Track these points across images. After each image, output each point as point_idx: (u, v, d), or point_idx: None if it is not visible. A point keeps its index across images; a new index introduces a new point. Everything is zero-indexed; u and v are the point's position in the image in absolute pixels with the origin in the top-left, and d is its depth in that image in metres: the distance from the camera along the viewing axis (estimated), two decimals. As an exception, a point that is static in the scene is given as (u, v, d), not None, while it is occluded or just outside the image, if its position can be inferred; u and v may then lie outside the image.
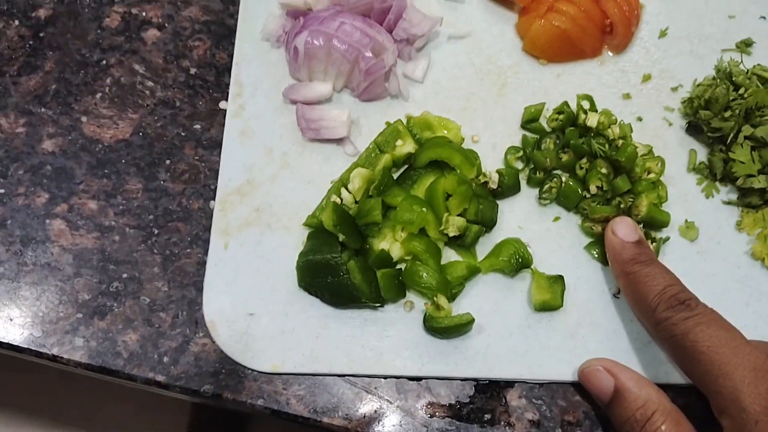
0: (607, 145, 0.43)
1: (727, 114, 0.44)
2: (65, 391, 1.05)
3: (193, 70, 0.48)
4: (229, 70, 0.48)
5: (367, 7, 0.46)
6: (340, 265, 0.40)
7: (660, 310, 0.36)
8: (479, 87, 0.47)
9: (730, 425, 0.33)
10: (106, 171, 0.44)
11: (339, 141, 0.45)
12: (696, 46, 0.49)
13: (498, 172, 0.43)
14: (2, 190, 0.44)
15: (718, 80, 0.46)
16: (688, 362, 0.35)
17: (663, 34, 0.50)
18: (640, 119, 0.47)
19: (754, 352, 0.33)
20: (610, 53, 0.49)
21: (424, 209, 0.40)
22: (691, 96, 0.47)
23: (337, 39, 0.44)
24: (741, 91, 0.45)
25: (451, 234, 0.41)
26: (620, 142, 0.44)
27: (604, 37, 0.49)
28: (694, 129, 0.47)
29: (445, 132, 0.45)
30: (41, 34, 0.48)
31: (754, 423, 0.31)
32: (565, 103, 0.46)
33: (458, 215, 0.41)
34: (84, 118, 0.46)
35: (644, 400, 0.35)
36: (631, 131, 0.45)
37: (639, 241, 0.39)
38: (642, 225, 0.42)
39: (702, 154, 0.46)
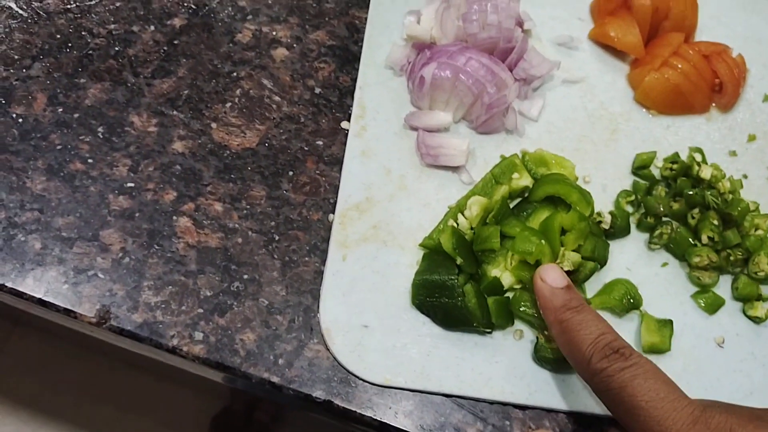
0: (720, 199, 0.44)
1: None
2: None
3: (317, 90, 0.50)
4: (351, 92, 0.49)
5: (491, 46, 0.48)
6: (457, 287, 0.41)
7: (595, 361, 0.34)
8: (591, 130, 0.49)
9: None
10: (232, 176, 0.46)
11: (455, 168, 0.46)
12: (800, 111, 0.51)
13: (611, 213, 0.44)
14: (132, 184, 0.45)
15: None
16: (626, 416, 0.33)
17: (766, 98, 0.51)
18: (745, 176, 0.48)
19: (693, 404, 0.32)
20: (717, 111, 0.50)
21: (542, 241, 0.41)
22: (797, 159, 0.48)
23: (464, 73, 0.46)
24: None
25: (566, 268, 0.41)
26: (730, 196, 0.45)
27: (712, 95, 0.50)
28: (798, 191, 0.47)
29: (561, 169, 0.46)
30: (175, 42, 0.51)
31: None
32: (677, 154, 0.47)
33: (573, 251, 0.42)
34: (213, 125, 0.48)
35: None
36: (741, 187, 0.46)
37: (568, 286, 0.38)
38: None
39: (805, 216, 0.47)
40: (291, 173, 0.46)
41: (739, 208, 0.43)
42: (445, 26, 0.49)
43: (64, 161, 0.45)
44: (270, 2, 0.53)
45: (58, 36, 0.50)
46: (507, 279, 0.42)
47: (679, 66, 0.48)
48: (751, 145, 0.49)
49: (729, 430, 0.30)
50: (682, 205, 0.45)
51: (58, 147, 0.46)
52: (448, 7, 0.49)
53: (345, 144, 0.47)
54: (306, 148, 0.47)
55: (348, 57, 0.51)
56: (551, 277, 0.38)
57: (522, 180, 0.45)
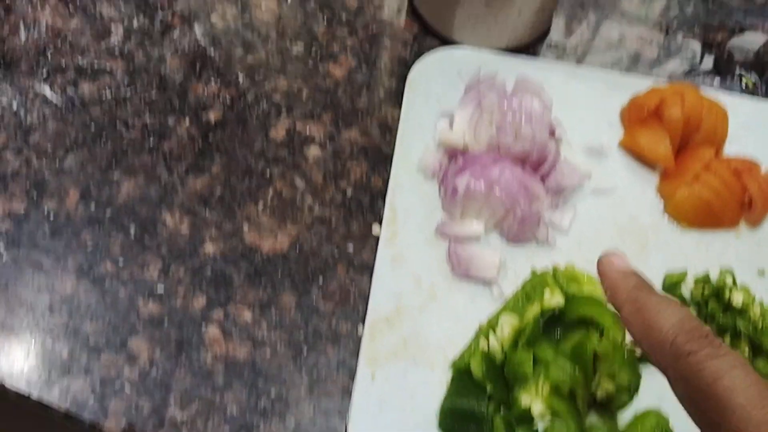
0: (750, 326, 0.44)
1: None
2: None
3: (349, 192, 0.49)
4: (382, 195, 0.49)
5: (524, 156, 0.48)
6: (486, 417, 0.40)
7: (681, 342, 0.31)
8: (621, 244, 0.49)
9: None
10: (262, 281, 0.45)
11: (486, 281, 0.46)
12: (829, 228, 0.50)
13: (643, 337, 0.44)
14: (162, 289, 0.45)
15: None
16: (713, 411, 0.29)
17: (795, 213, 0.51)
18: (775, 297, 0.48)
19: None
20: (746, 226, 0.50)
21: (577, 370, 0.41)
22: (826, 281, 0.48)
23: (498, 186, 0.46)
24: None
25: (599, 397, 0.41)
26: (760, 323, 0.44)
27: (742, 211, 0.50)
28: (827, 314, 0.47)
29: (592, 288, 0.45)
30: (210, 137, 0.51)
31: None
32: (707, 277, 0.47)
33: (606, 377, 0.41)
34: (245, 226, 0.47)
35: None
36: (771, 315, 0.45)
37: (637, 272, 0.35)
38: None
39: (834, 340, 0.46)
40: (321, 280, 0.46)
41: (771, 339, 0.43)
42: (478, 134, 0.49)
43: (94, 261, 0.45)
44: (304, 98, 0.53)
45: (93, 127, 0.50)
46: (538, 407, 0.41)
47: (711, 182, 0.48)
48: (781, 263, 0.49)
49: None
50: (713, 330, 0.44)
51: (90, 246, 0.45)
52: (481, 114, 0.49)
53: (375, 249, 0.47)
54: (336, 253, 0.47)
55: (380, 157, 0.51)
56: (619, 261, 0.36)
57: (554, 298, 0.44)
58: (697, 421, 0.30)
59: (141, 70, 0.53)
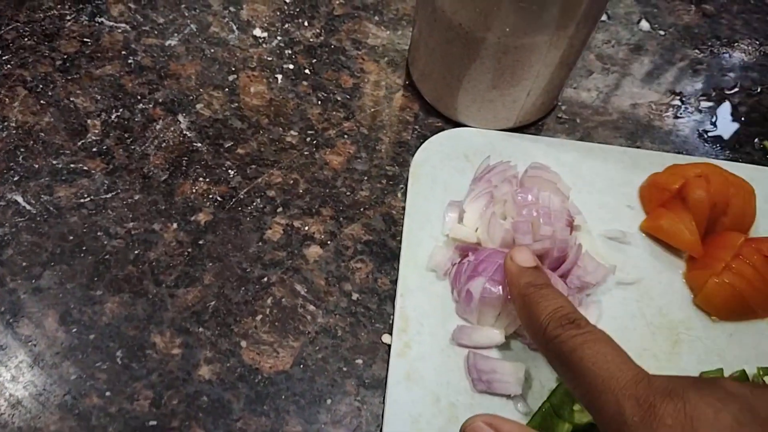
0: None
1: None
2: None
3: (355, 295, 0.46)
4: (390, 297, 0.46)
5: (542, 252, 0.45)
6: None
7: (550, 329, 0.35)
8: (652, 342, 0.45)
9: None
10: (265, 407, 0.42)
11: (510, 395, 0.43)
12: None
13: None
14: (154, 422, 0.41)
15: None
16: (575, 380, 0.33)
17: (832, 295, 0.48)
18: (818, 393, 0.45)
19: (638, 368, 0.32)
20: (783, 315, 0.47)
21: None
22: None
23: (516, 291, 0.42)
24: None
25: None
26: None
27: (778, 299, 0.47)
28: None
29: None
30: (200, 242, 0.47)
31: None
32: (744, 375, 0.44)
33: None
34: (243, 343, 0.44)
35: None
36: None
37: (536, 267, 0.40)
38: None
39: None
40: (329, 401, 0.42)
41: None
42: (492, 230, 0.45)
43: (78, 395, 0.41)
44: (301, 191, 0.50)
45: (71, 237, 0.46)
46: None
47: (743, 270, 0.45)
48: (821, 354, 0.46)
49: (670, 391, 0.30)
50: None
51: (73, 377, 0.41)
52: (493, 206, 0.46)
53: (387, 362, 0.44)
54: (345, 369, 0.43)
55: (386, 254, 0.48)
56: (521, 257, 0.40)
57: (586, 415, 0.41)
58: (578, 399, 0.34)
59: (122, 170, 0.49)
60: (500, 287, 0.43)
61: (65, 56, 0.55)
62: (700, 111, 0.56)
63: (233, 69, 0.55)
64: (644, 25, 0.60)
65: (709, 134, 0.55)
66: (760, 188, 0.51)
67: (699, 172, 0.48)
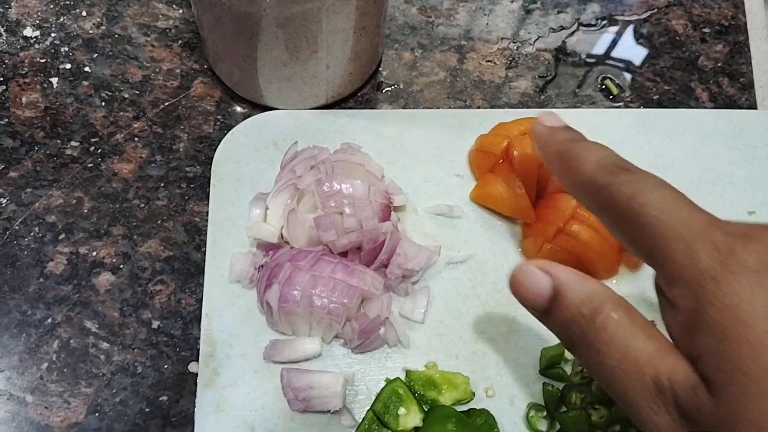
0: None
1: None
2: None
3: (155, 323, 0.42)
4: (197, 319, 0.43)
5: (353, 246, 0.42)
6: None
7: (599, 176, 0.32)
8: (487, 324, 0.44)
9: (683, 294, 0.28)
10: (55, 470, 0.38)
11: (332, 411, 0.40)
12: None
13: (522, 443, 0.39)
14: (-74, 507, 0.37)
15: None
16: (634, 231, 0.31)
17: (679, 240, 0.47)
18: (666, 350, 0.44)
19: (709, 213, 0.30)
20: (627, 271, 0.46)
21: None
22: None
23: (315, 296, 0.40)
24: None
25: None
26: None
27: (619, 256, 0.46)
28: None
29: (451, 393, 0.40)
30: (-29, 287, 0.43)
31: (713, 281, 0.27)
32: (586, 345, 0.42)
33: None
34: (29, 398, 0.40)
35: (588, 293, 0.30)
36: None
37: (568, 126, 0.38)
38: None
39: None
40: (132, 449, 0.39)
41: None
42: (293, 229, 0.42)
43: None
44: (86, 211, 0.45)
45: None
46: None
47: (578, 232, 0.44)
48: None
49: (749, 234, 0.27)
50: (602, 414, 0.40)
51: None
52: (296, 206, 0.43)
53: (195, 394, 0.40)
54: (147, 409, 0.40)
55: (190, 270, 0.44)
56: (550, 120, 0.38)
57: (411, 418, 0.39)
58: (636, 252, 0.31)
59: None
60: (297, 294, 0.40)
61: None
62: (535, 57, 0.53)
63: (1, 79, 0.49)
64: (470, -34, 0.56)
65: (546, 81, 0.52)
66: (601, 134, 0.49)
67: (523, 130, 0.46)
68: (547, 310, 0.32)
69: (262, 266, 0.43)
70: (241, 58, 0.46)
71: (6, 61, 0.50)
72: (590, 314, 0.30)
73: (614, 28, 0.55)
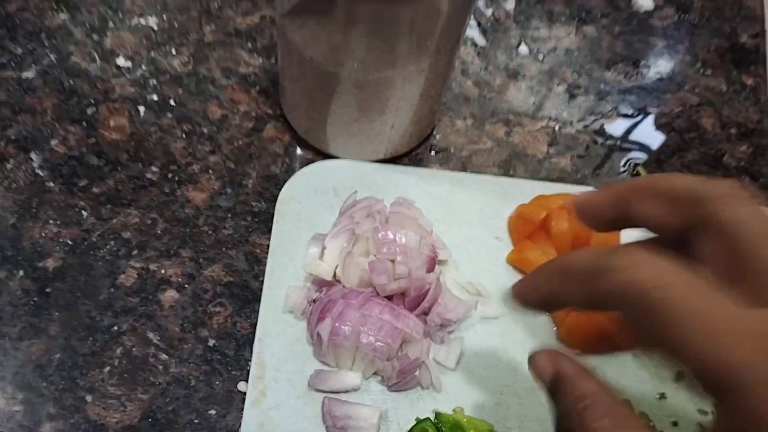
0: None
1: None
2: None
3: (211, 342, 0.47)
4: (250, 342, 0.47)
5: (400, 292, 0.47)
6: None
7: (592, 266, 0.30)
8: (513, 379, 0.48)
9: (732, 406, 0.25)
10: (109, 465, 0.42)
11: (366, 440, 0.44)
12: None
13: (536, 493, 0.43)
14: (-11, 485, 0.41)
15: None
16: (663, 329, 0.26)
17: (695, 322, 0.52)
18: (675, 424, 0.48)
19: (753, 311, 0.26)
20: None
21: None
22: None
23: (363, 333, 0.44)
24: None
25: None
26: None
27: (639, 329, 0.50)
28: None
29: (478, 436, 0.44)
30: (48, 290, 0.47)
31: None
32: (603, 408, 0.46)
33: None
34: (89, 397, 0.44)
35: (582, 392, 0.31)
36: (671, 446, 0.45)
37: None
38: None
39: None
40: (179, 455, 0.43)
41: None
42: (348, 270, 0.47)
43: None
44: (159, 232, 0.50)
45: None
46: None
47: (602, 303, 0.48)
48: (680, 384, 0.49)
49: None
50: (610, 475, 0.44)
51: None
52: (354, 244, 0.48)
53: (242, 411, 0.45)
54: (196, 420, 0.44)
55: (247, 296, 0.49)
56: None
57: (439, 456, 0.43)
58: (667, 351, 0.27)
59: (-35, 215, 0.49)
60: (347, 329, 0.44)
61: None
62: (574, 138, 0.59)
63: (92, 101, 0.55)
64: (523, 49, 0.62)
65: (583, 161, 0.58)
66: (630, 216, 0.54)
67: (561, 204, 0.51)
68: (550, 394, 0.33)
69: (315, 300, 0.47)
70: (315, 110, 0.51)
71: (98, 85, 0.56)
72: (581, 411, 0.30)
73: (649, 120, 0.61)
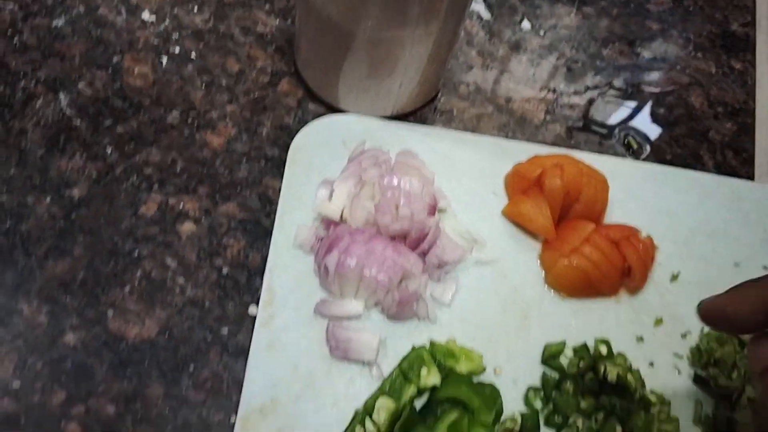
0: (625, 404, 0.47)
1: (734, 375, 0.50)
2: None
3: (225, 270, 0.51)
4: (261, 272, 0.51)
5: (403, 233, 0.51)
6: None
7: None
8: (503, 317, 0.52)
9: None
10: (127, 372, 0.46)
11: (366, 362, 0.48)
12: (704, 292, 0.55)
13: (521, 415, 0.47)
14: (18, 384, 0.45)
15: (726, 337, 0.52)
16: None
17: (675, 278, 0.56)
18: (651, 364, 0.52)
19: None
20: (626, 294, 0.55)
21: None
22: (699, 348, 0.52)
23: (367, 266, 0.48)
24: (746, 351, 0.50)
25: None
26: (637, 394, 0.48)
27: (622, 279, 0.54)
28: (701, 381, 0.52)
29: (468, 363, 0.48)
30: (73, 216, 0.51)
31: None
32: (585, 347, 0.50)
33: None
34: (110, 312, 0.48)
35: None
36: (643, 387, 0.49)
37: None
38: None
39: (708, 406, 0.51)
40: (192, 367, 0.47)
41: (642, 421, 0.47)
42: (355, 209, 0.51)
43: (-61, 359, 0.45)
44: (178, 170, 0.54)
45: (-58, 208, 0.50)
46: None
47: (590, 254, 0.52)
48: (658, 330, 0.53)
49: None
50: (589, 404, 0.48)
51: (-66, 342, 0.45)
52: (361, 188, 0.52)
53: (252, 331, 0.49)
54: (210, 338, 0.48)
55: (259, 232, 0.53)
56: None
57: (430, 378, 0.47)
58: None
59: (-1, 144, 0.53)
60: (353, 261, 0.48)
61: (-53, 31, 0.58)
62: (570, 107, 0.63)
63: (119, 50, 0.59)
64: (525, 25, 0.67)
65: (577, 129, 0.62)
66: (618, 180, 0.59)
67: (556, 162, 0.55)
68: (760, 379, 0.36)
69: (323, 238, 0.52)
70: (329, 67, 0.55)
71: (124, 36, 0.60)
72: None
73: (641, 95, 0.66)
